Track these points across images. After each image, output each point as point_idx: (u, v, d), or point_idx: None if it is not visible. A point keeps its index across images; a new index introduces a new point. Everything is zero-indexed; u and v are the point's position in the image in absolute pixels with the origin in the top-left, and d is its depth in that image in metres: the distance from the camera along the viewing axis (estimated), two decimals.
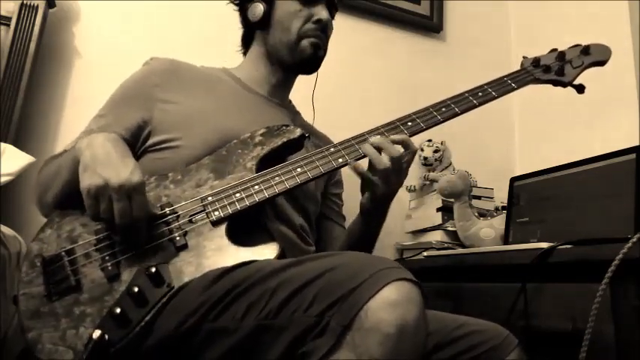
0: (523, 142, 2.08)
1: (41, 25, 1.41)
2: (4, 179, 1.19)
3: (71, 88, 1.55)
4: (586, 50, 1.09)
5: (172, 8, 1.67)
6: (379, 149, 0.92)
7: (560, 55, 1.09)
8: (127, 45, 1.58)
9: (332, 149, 0.92)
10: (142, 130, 0.97)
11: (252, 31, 1.15)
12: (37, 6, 1.40)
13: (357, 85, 1.90)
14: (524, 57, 1.12)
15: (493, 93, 1.03)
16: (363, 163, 0.96)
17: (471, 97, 1.02)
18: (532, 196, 1.36)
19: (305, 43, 1.06)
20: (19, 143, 1.31)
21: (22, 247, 1.11)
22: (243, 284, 0.69)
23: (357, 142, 0.94)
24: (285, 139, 0.94)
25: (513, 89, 1.05)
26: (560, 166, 1.30)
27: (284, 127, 0.96)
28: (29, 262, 0.82)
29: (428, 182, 1.66)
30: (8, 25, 1.38)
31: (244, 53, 1.19)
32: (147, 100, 0.97)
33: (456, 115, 1.00)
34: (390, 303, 0.58)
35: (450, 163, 1.71)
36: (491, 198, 1.69)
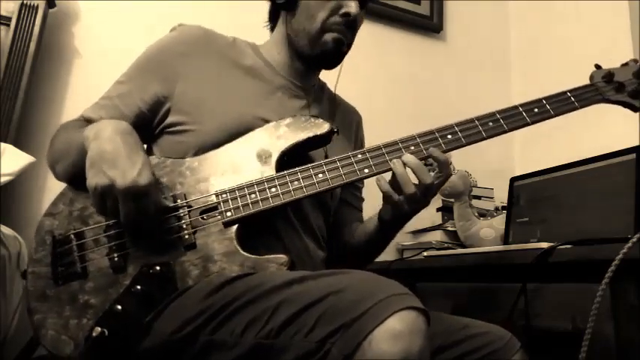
0: (523, 142, 2.08)
1: (41, 25, 1.41)
2: (4, 179, 1.19)
3: (71, 87, 1.55)
4: None
5: (172, 8, 1.68)
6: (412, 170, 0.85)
7: (639, 72, 0.93)
8: (126, 45, 1.57)
9: (359, 156, 0.86)
10: (162, 105, 0.92)
11: (277, 10, 1.05)
12: (37, 6, 1.41)
13: (356, 84, 1.90)
14: (596, 66, 0.97)
15: (551, 111, 0.90)
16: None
17: (524, 114, 0.90)
18: (532, 196, 1.36)
19: (327, 37, 0.96)
20: (19, 143, 1.32)
21: (22, 247, 1.11)
22: (244, 298, 0.68)
23: (388, 152, 0.86)
24: (311, 134, 0.88)
25: (575, 109, 0.91)
26: (560, 166, 1.30)
27: (312, 120, 0.90)
28: (40, 237, 0.82)
29: None
30: (8, 25, 1.38)
31: (271, 29, 1.09)
32: (169, 73, 0.92)
33: (504, 133, 0.89)
34: (395, 334, 0.56)
35: (450, 163, 1.70)
36: (491, 198, 1.69)
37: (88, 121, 0.91)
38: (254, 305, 0.66)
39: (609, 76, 0.94)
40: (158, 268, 0.76)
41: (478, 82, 2.10)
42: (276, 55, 1.03)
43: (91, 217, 0.82)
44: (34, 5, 1.40)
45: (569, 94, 0.92)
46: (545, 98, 0.91)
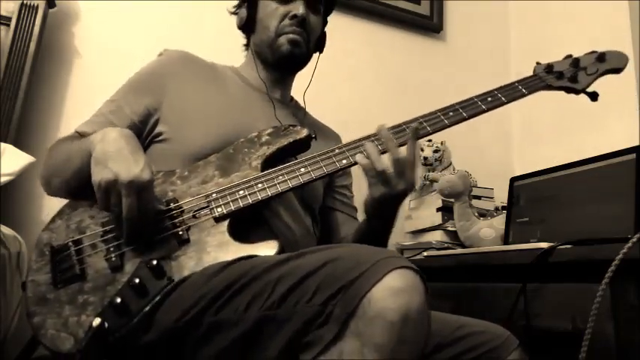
0: (522, 142, 2.08)
1: (41, 25, 1.41)
2: (4, 179, 1.19)
3: (71, 87, 1.55)
4: (602, 57, 1.07)
5: (172, 8, 1.68)
6: (383, 149, 0.90)
7: (575, 62, 1.07)
8: (126, 45, 1.58)
9: (337, 150, 0.92)
10: (151, 116, 0.99)
11: (245, 34, 1.18)
12: (37, 6, 1.40)
13: (356, 84, 1.90)
14: (537, 63, 1.10)
15: (503, 98, 1.01)
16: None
17: (479, 102, 1.01)
18: (532, 196, 1.36)
19: (282, 39, 1.06)
20: (19, 143, 1.31)
21: (22, 247, 1.11)
22: (244, 278, 0.70)
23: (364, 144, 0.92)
24: (291, 140, 0.95)
25: (524, 95, 1.03)
26: (560, 166, 1.30)
27: (291, 127, 0.97)
28: (39, 250, 0.85)
29: (428, 182, 1.66)
30: (8, 25, 1.38)
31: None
32: (158, 88, 0.99)
33: (464, 120, 0.99)
34: (394, 291, 0.59)
35: (450, 163, 1.71)
36: (491, 198, 1.69)
37: (82, 135, 0.95)
38: (255, 282, 0.68)
39: (549, 67, 1.07)
40: (155, 262, 0.78)
41: (478, 82, 2.09)
42: (251, 72, 1.13)
43: (88, 227, 0.86)
44: (34, 5, 1.40)
45: (517, 83, 1.05)
46: (497, 89, 1.04)
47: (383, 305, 0.58)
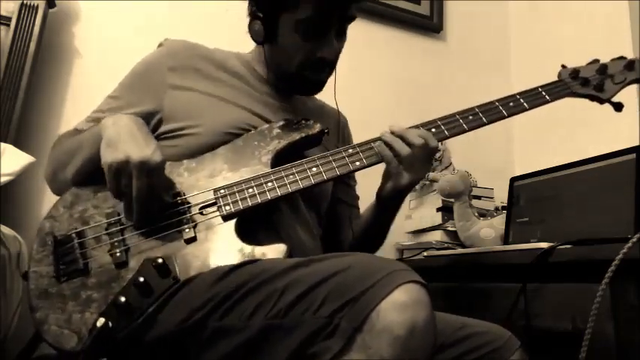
0: (523, 142, 2.08)
1: (41, 25, 1.41)
2: (4, 179, 1.19)
3: (71, 88, 1.55)
4: (630, 65, 1.00)
5: (172, 8, 1.68)
6: (401, 138, 0.90)
7: (602, 68, 1.01)
8: (126, 45, 1.57)
9: (350, 150, 0.90)
10: (152, 116, 0.95)
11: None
12: (37, 6, 1.41)
13: (356, 84, 1.90)
14: (562, 66, 1.04)
15: (525, 105, 0.96)
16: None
17: (501, 107, 0.96)
18: (532, 196, 1.36)
19: (305, 76, 0.98)
20: (19, 143, 1.32)
21: (22, 247, 1.11)
22: (251, 283, 0.69)
23: (377, 146, 0.91)
24: (303, 135, 0.93)
25: (547, 102, 0.98)
26: (560, 166, 1.30)
27: (303, 122, 0.94)
28: (41, 239, 0.83)
29: (428, 182, 1.66)
30: (8, 25, 1.38)
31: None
32: (158, 87, 0.95)
33: (483, 125, 0.95)
34: (401, 305, 0.59)
35: (450, 163, 1.71)
36: (491, 198, 1.69)
37: (81, 132, 0.94)
38: (261, 289, 0.68)
39: (575, 73, 1.01)
40: (160, 260, 0.77)
41: (478, 82, 2.10)
42: (258, 68, 1.06)
43: (92, 217, 0.84)
44: (34, 5, 1.40)
45: (540, 89, 0.99)
46: (519, 93, 0.98)
47: (390, 319, 0.58)
